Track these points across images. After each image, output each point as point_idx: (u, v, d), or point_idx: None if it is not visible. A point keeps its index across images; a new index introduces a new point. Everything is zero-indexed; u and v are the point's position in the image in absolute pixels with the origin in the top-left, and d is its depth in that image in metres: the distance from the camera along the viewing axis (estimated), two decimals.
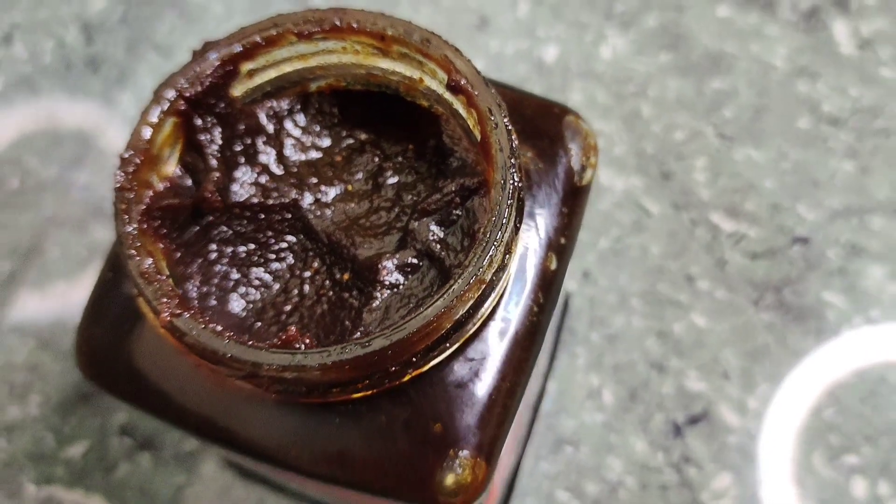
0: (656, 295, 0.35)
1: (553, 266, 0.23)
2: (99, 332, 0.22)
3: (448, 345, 0.20)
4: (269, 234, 0.23)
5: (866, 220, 0.36)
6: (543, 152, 0.23)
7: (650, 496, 0.33)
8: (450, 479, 0.21)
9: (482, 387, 0.21)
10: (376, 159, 0.23)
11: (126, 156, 0.20)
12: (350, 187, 0.23)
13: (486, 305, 0.20)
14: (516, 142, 0.20)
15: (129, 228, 0.20)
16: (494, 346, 0.21)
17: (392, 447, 0.21)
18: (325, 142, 0.24)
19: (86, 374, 0.23)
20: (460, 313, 0.19)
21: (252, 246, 0.22)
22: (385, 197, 0.23)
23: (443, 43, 0.21)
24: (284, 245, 0.23)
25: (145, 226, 0.20)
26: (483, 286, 0.19)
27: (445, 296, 0.19)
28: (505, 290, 0.21)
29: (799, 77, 0.39)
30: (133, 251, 0.19)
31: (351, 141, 0.24)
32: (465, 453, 0.21)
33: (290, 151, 0.23)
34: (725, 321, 0.35)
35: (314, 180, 0.23)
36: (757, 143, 0.37)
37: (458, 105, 0.22)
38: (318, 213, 0.23)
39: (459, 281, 0.19)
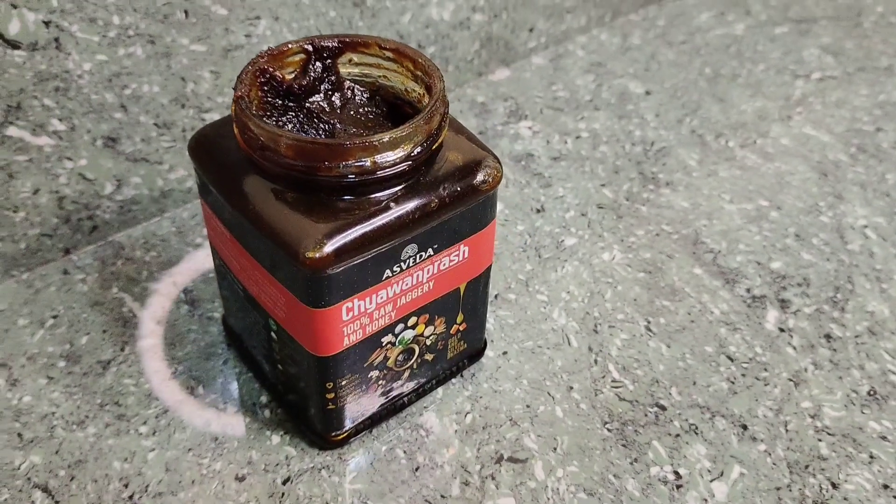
0: (539, 384, 0.48)
1: (435, 207, 0.39)
2: (207, 131, 0.42)
3: (361, 173, 0.37)
4: (311, 129, 0.41)
5: (715, 420, 0.47)
6: (467, 161, 0.40)
7: None
8: (311, 253, 0.37)
9: (358, 222, 0.37)
10: (382, 123, 0.42)
11: (270, 46, 0.41)
12: (362, 126, 0.42)
13: (398, 161, 0.37)
14: (447, 100, 0.38)
15: (250, 68, 0.40)
16: (382, 216, 0.38)
17: (297, 224, 0.37)
18: (365, 110, 0.43)
19: (191, 155, 0.42)
20: (383, 153, 0.36)
21: (299, 129, 0.41)
22: (376, 132, 0.41)
23: (435, 70, 0.40)
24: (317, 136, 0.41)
25: (258, 73, 0.40)
26: (404, 144, 0.36)
27: (378, 134, 0.36)
28: (413, 182, 0.38)
29: (724, 326, 0.52)
30: (245, 72, 0.39)
31: (376, 113, 0.43)
32: (326, 242, 0.36)
33: (348, 106, 0.42)
34: (576, 423, 0.47)
35: (347, 118, 0.42)
36: (669, 344, 0.51)
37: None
38: (341, 130, 0.41)
39: (396, 130, 0.36)
